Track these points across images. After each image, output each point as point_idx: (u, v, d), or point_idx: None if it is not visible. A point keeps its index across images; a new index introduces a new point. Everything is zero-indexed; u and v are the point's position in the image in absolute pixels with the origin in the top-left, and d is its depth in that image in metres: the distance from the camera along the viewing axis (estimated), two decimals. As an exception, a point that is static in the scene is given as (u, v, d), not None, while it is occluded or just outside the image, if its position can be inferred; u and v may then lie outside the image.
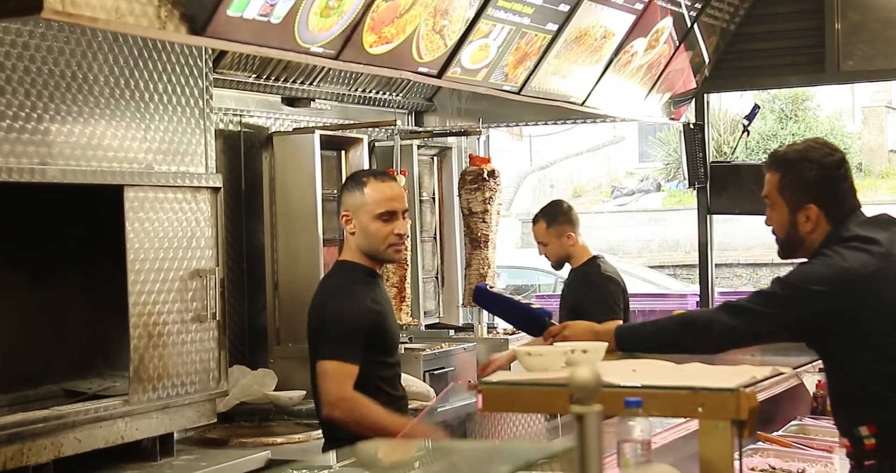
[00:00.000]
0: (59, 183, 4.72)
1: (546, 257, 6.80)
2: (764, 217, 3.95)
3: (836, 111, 24.15)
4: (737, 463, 3.37)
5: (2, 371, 5.12)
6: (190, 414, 5.25)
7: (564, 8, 5.96)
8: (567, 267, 6.90)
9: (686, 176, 8.36)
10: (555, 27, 6.02)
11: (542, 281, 15.49)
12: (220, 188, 5.46)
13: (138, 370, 5.04)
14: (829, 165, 3.83)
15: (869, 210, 3.94)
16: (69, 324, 5.33)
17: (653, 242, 22.32)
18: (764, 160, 4.04)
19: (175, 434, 5.26)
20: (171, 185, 5.23)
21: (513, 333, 7.38)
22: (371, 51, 4.88)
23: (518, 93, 6.21)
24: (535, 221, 6.77)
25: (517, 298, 3.78)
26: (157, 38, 4.96)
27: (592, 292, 6.62)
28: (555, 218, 6.66)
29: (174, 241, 5.24)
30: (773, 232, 3.93)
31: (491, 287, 3.91)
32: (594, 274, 6.63)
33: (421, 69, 5.33)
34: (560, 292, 7.47)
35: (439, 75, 5.47)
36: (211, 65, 5.55)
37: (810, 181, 3.72)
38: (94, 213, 5.13)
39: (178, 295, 5.23)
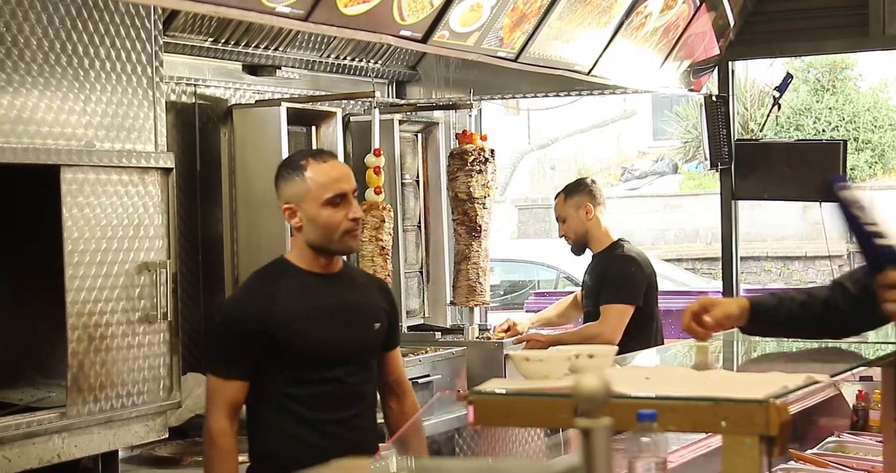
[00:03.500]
0: None
1: (565, 238, 7.10)
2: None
3: (880, 82, 24.04)
4: None
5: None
6: (137, 429, 5.22)
7: (566, -37, 5.97)
8: (588, 255, 7.16)
9: (708, 156, 8.40)
10: (555, -13, 6.02)
11: (542, 276, 15.51)
12: (171, 169, 5.40)
13: (77, 378, 4.98)
14: None
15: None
16: (24, 326, 5.31)
17: (668, 231, 22.38)
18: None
19: (120, 452, 5.26)
20: (116, 165, 5.17)
21: (511, 337, 7.36)
22: (346, 11, 4.84)
23: (515, 60, 6.20)
24: (556, 197, 7.19)
25: (869, 219, 3.42)
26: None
27: (609, 270, 6.83)
28: (574, 189, 7.07)
29: (119, 229, 5.18)
30: None
31: (842, 187, 3.50)
32: (615, 256, 6.87)
33: (403, 32, 5.30)
34: (559, 290, 7.58)
35: (424, 40, 5.44)
36: (161, 27, 5.49)
37: None
38: (26, 197, 5.09)
39: (124, 292, 5.18)
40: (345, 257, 4.67)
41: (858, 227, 3.40)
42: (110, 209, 5.15)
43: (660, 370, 4.25)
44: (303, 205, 4.39)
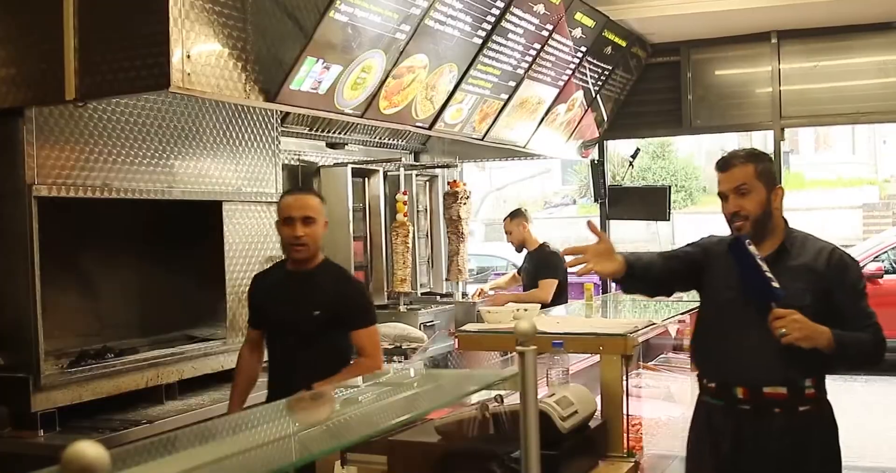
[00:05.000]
0: (180, 200, 4.72)
1: (511, 243, 7.09)
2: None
3: (688, 153, 24.12)
4: (624, 383, 3.39)
5: (145, 322, 5.13)
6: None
7: (512, 84, 5.93)
8: (524, 253, 7.21)
9: (592, 195, 8.38)
10: (506, 96, 5.98)
11: (498, 263, 15.47)
12: None
13: (232, 322, 5.03)
14: (772, 159, 3.37)
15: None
16: (188, 292, 5.30)
17: (570, 238, 22.26)
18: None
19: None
20: (253, 201, 5.20)
21: (481, 299, 7.34)
22: (384, 112, 4.83)
23: (482, 140, 6.16)
24: (504, 219, 7.21)
25: (765, 267, 3.04)
26: (244, 104, 4.91)
27: (540, 261, 6.91)
28: (514, 215, 7.18)
29: (255, 237, 5.20)
30: (743, 216, 3.16)
31: (749, 243, 3.07)
32: (543, 252, 6.93)
33: (417, 124, 5.28)
34: (511, 272, 7.67)
35: (429, 128, 5.42)
36: (279, 121, 5.52)
37: (772, 169, 3.24)
38: (203, 219, 5.10)
39: None
40: (320, 259, 3.99)
41: (760, 273, 3.04)
42: (250, 226, 5.17)
43: (566, 318, 4.26)
44: (278, 221, 3.94)
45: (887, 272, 11.40)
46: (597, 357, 3.51)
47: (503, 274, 9.61)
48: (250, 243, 5.17)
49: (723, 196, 3.22)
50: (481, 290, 7.62)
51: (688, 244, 3.49)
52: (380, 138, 7.23)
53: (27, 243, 3.92)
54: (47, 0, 3.71)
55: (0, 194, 3.98)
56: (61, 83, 3.69)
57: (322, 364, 3.72)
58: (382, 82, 4.61)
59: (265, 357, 4.08)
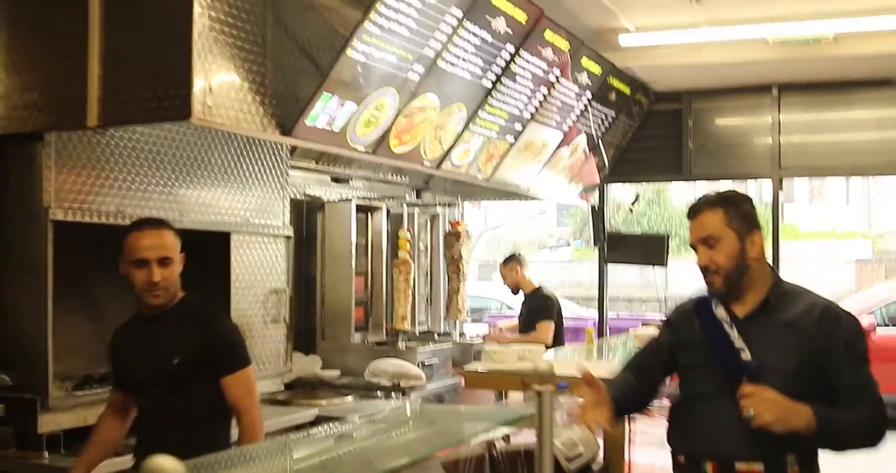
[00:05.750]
0: (190, 229, 4.69)
1: (507, 286, 7.16)
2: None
3: (684, 200, 24.29)
4: (627, 429, 3.37)
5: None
6: (268, 383, 5.23)
7: (518, 127, 6.06)
8: (521, 295, 7.36)
9: (592, 239, 8.46)
10: (512, 139, 6.10)
11: (492, 305, 15.50)
12: (291, 237, 5.43)
13: None
14: (751, 201, 2.94)
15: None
16: None
17: (566, 280, 22.30)
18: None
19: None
20: (261, 233, 5.22)
21: (482, 341, 7.33)
22: (395, 150, 4.93)
23: (487, 181, 6.26)
24: (500, 264, 7.42)
25: (734, 334, 2.71)
26: (259, 137, 4.93)
27: (535, 304, 7.01)
28: (509, 260, 7.38)
29: (261, 269, 5.22)
30: (714, 271, 2.83)
31: (716, 305, 2.79)
32: (538, 295, 7.01)
33: (426, 163, 5.37)
34: (503, 313, 7.76)
35: (437, 167, 5.51)
36: (288, 155, 5.56)
37: (749, 213, 2.86)
38: (212, 248, 5.07)
39: (262, 305, 5.20)
40: (178, 298, 3.40)
41: (727, 342, 2.72)
42: (257, 258, 5.19)
43: (566, 363, 4.30)
44: (124, 260, 3.31)
45: (880, 326, 11.45)
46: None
47: (503, 316, 9.64)
48: (256, 275, 5.20)
49: (693, 247, 2.88)
50: (498, 329, 7.69)
51: (659, 327, 3.20)
52: (383, 174, 7.28)
53: (41, 265, 3.98)
54: (72, 27, 3.82)
55: (16, 216, 4.05)
56: (83, 110, 3.78)
57: (194, 421, 3.25)
58: (393, 121, 4.71)
59: (129, 422, 3.54)
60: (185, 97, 3.54)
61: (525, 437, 2.20)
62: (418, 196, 7.96)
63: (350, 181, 6.89)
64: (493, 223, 26.31)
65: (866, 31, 6.31)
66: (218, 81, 3.67)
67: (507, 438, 2.76)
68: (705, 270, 2.82)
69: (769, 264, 2.90)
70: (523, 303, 7.27)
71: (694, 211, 2.88)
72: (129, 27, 3.75)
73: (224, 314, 4.20)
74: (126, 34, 3.76)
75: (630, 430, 3.45)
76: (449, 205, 7.66)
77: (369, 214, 6.94)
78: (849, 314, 2.79)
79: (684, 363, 2.94)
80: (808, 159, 7.88)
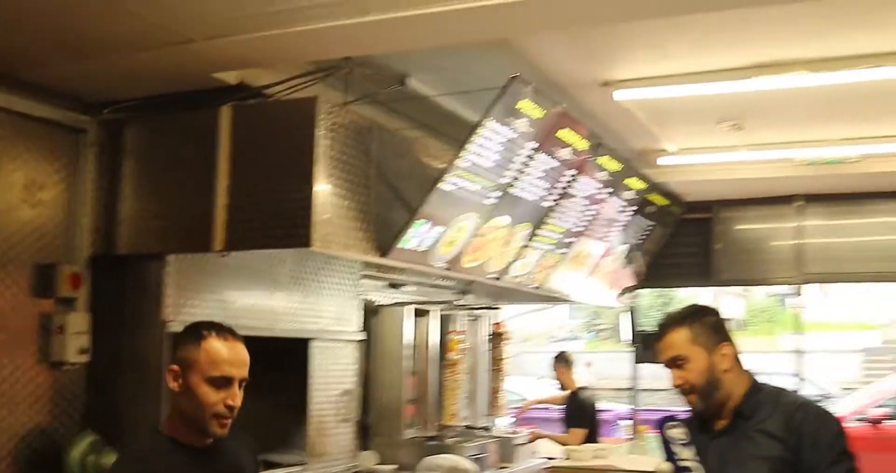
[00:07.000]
0: (278, 337, 5.08)
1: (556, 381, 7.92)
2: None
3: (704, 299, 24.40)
4: None
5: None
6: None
7: (570, 240, 6.48)
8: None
9: (624, 338, 8.82)
10: (564, 251, 6.53)
11: (511, 397, 15.48)
12: (364, 340, 5.70)
13: (313, 447, 5.28)
14: (717, 312, 2.88)
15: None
16: (261, 417, 5.22)
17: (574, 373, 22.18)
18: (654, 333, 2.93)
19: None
20: (338, 339, 5.51)
21: (526, 435, 7.51)
22: (466, 266, 5.32)
23: (538, 289, 6.63)
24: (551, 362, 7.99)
25: (685, 455, 2.73)
26: (362, 259, 5.13)
27: (571, 407, 7.48)
28: (557, 358, 8.01)
29: (336, 372, 5.49)
30: (689, 390, 2.78)
31: (672, 426, 2.84)
32: (576, 399, 7.44)
33: (489, 275, 5.75)
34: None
35: (498, 279, 5.86)
36: (360, 266, 5.81)
37: (715, 324, 2.79)
38: (294, 353, 5.34)
39: (336, 405, 5.47)
40: None
41: (674, 461, 2.77)
42: (332, 361, 5.44)
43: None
44: (188, 373, 2.61)
45: (893, 418, 11.44)
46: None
47: (517, 408, 9.81)
48: (331, 377, 5.51)
49: (666, 367, 2.82)
50: (533, 401, 8.29)
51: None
52: (433, 281, 7.57)
53: (158, 372, 4.36)
54: (202, 160, 4.29)
55: (137, 327, 4.46)
56: (208, 235, 4.22)
57: None
58: (468, 242, 5.14)
59: None
60: (306, 227, 3.99)
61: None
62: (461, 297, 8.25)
63: (403, 287, 7.16)
64: (503, 316, 26.31)
65: (892, 153, 6.74)
66: (332, 212, 4.12)
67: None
68: (681, 390, 2.77)
69: (747, 372, 2.83)
70: (568, 401, 7.78)
71: (660, 332, 2.82)
72: (254, 160, 4.21)
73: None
74: (251, 167, 4.22)
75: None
76: (491, 308, 7.94)
77: (422, 317, 7.25)
78: (825, 411, 2.74)
79: None
80: (832, 265, 8.27)
